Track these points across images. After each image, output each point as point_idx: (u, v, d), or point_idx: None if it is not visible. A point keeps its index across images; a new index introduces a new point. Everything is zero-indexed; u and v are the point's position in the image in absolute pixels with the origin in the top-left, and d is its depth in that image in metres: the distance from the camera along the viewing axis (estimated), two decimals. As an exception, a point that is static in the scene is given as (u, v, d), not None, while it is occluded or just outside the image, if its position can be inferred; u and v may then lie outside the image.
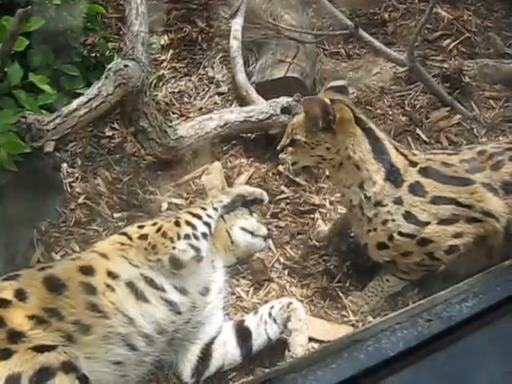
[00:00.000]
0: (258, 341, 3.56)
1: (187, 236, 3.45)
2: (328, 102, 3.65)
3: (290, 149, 3.83)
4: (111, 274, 3.23)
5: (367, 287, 3.91)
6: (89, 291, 3.14)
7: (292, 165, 3.87)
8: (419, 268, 3.76)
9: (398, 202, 3.65)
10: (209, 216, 3.68)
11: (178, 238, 3.42)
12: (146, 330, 3.19)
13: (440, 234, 3.61)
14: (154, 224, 3.52)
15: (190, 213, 3.66)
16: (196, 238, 3.48)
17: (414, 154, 3.86)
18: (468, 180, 3.68)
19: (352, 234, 4.07)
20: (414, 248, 3.65)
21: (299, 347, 3.48)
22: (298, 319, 3.54)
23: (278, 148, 3.91)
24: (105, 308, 3.11)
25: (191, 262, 3.40)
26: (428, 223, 3.61)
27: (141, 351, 3.18)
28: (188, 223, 3.53)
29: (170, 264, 3.34)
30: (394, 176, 3.68)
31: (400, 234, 3.65)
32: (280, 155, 3.89)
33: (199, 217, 3.63)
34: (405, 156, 3.77)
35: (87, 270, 3.22)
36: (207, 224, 3.62)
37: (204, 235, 3.54)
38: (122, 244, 3.40)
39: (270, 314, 3.58)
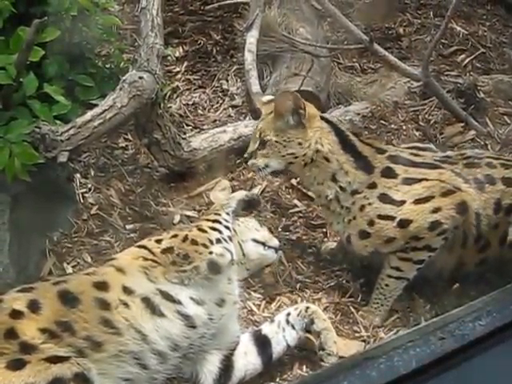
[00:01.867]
0: (277, 348, 3.55)
1: (219, 240, 3.48)
2: (299, 96, 3.75)
3: (260, 152, 3.81)
4: (127, 290, 3.20)
5: (371, 300, 3.91)
6: (103, 307, 3.11)
7: (263, 168, 3.84)
8: (408, 257, 3.75)
9: (372, 186, 3.72)
10: (226, 220, 3.72)
11: (211, 243, 3.43)
12: (160, 347, 3.16)
13: (418, 211, 3.65)
14: (175, 236, 3.51)
15: (208, 220, 3.69)
16: (226, 241, 3.52)
17: (380, 143, 4.05)
18: (437, 166, 3.79)
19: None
20: (396, 232, 3.67)
21: (333, 343, 3.49)
22: (322, 319, 3.55)
23: (246, 155, 3.91)
24: (118, 324, 3.08)
25: (228, 266, 3.43)
26: (404, 202, 3.65)
27: (152, 369, 3.15)
28: (213, 228, 3.56)
29: (208, 269, 3.33)
30: (364, 164, 3.76)
31: (379, 216, 3.68)
32: (249, 162, 3.87)
33: (219, 222, 3.66)
34: (370, 145, 3.86)
35: (102, 286, 3.19)
36: (228, 228, 3.66)
37: (230, 238, 3.58)
38: (145, 259, 3.37)
39: (287, 321, 3.57)
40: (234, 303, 3.54)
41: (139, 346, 3.11)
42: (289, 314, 3.60)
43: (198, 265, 3.32)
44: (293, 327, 3.56)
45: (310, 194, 4.53)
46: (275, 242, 3.97)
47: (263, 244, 3.92)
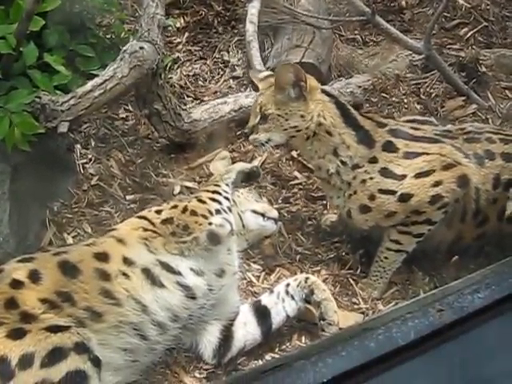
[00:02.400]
0: (276, 319, 3.56)
1: (218, 211, 3.49)
2: (300, 68, 3.71)
3: (262, 126, 3.77)
4: (127, 261, 3.21)
5: (370, 272, 3.93)
6: (103, 278, 3.12)
7: (266, 142, 3.79)
8: (408, 231, 3.75)
9: (373, 160, 3.71)
10: (225, 191, 3.74)
11: (211, 214, 3.44)
12: (160, 318, 3.18)
13: (419, 185, 3.65)
14: (175, 207, 3.51)
15: (208, 191, 3.70)
16: (225, 212, 3.53)
17: (381, 117, 3.99)
18: (437, 140, 3.78)
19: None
20: (397, 206, 3.67)
21: (334, 313, 3.49)
22: (321, 289, 3.55)
23: (247, 130, 3.85)
24: (118, 295, 3.10)
25: (228, 236, 3.44)
26: (405, 176, 3.65)
27: (152, 340, 3.17)
28: (213, 199, 3.57)
29: (208, 240, 3.34)
30: (365, 138, 3.75)
31: (380, 191, 3.68)
32: (250, 137, 3.82)
33: (218, 193, 3.67)
34: (371, 119, 3.85)
35: (102, 257, 3.20)
36: (227, 199, 3.68)
37: (229, 209, 3.60)
38: (145, 230, 3.38)
39: (287, 292, 3.58)
40: (233, 274, 3.55)
41: (139, 316, 3.12)
42: (288, 285, 3.60)
43: (197, 236, 3.32)
44: (292, 298, 3.56)
45: (310, 166, 4.54)
46: (274, 213, 3.98)
47: (262, 215, 3.94)
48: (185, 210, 3.45)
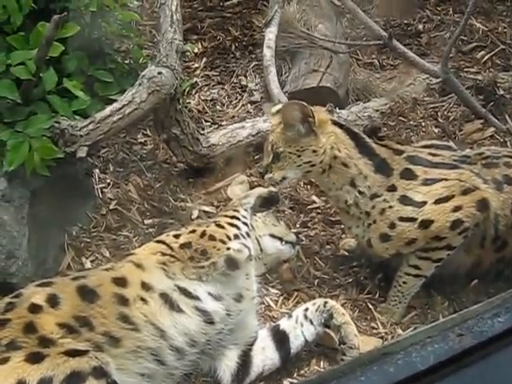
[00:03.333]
0: (295, 343, 3.55)
1: (237, 236, 3.48)
2: (306, 104, 3.66)
3: (275, 165, 3.74)
4: (145, 286, 3.20)
5: (388, 297, 3.90)
6: (121, 303, 3.12)
7: (281, 181, 3.77)
8: (427, 256, 3.73)
9: (392, 189, 3.69)
10: (244, 217, 3.74)
11: (229, 238, 3.43)
12: (178, 343, 3.16)
13: (439, 211, 3.62)
14: (193, 231, 3.51)
15: (226, 216, 3.69)
16: (243, 237, 3.52)
17: (397, 143, 4.04)
18: (456, 166, 3.76)
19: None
20: (417, 233, 3.64)
21: (354, 337, 3.48)
22: (341, 313, 3.53)
23: (262, 170, 3.85)
24: (136, 320, 3.10)
25: (246, 262, 3.43)
26: (425, 202, 3.63)
27: (170, 365, 3.16)
28: (231, 225, 3.56)
29: (226, 265, 3.33)
30: (382, 166, 3.72)
31: (400, 219, 3.66)
32: (265, 176, 3.79)
33: (237, 218, 3.67)
34: (386, 146, 3.83)
35: (121, 282, 3.20)
36: (246, 224, 3.67)
37: (248, 234, 3.59)
38: (163, 254, 3.38)
39: (305, 316, 3.57)
40: (252, 299, 3.54)
41: (157, 342, 3.12)
42: (307, 309, 3.59)
43: (215, 261, 3.32)
44: (311, 322, 3.55)
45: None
46: (292, 237, 3.97)
47: (280, 239, 3.93)
48: (203, 234, 3.45)
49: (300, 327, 3.55)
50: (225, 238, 3.43)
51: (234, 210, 3.79)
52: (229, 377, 3.41)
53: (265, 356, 3.50)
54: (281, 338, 3.55)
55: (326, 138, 3.69)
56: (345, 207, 3.81)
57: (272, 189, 4.04)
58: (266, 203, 4.08)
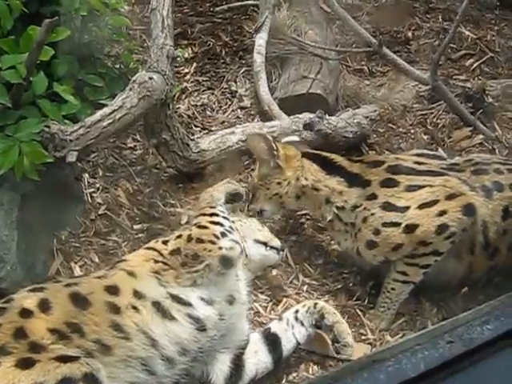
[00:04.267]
0: (287, 346, 3.56)
1: (224, 234, 3.45)
2: (268, 136, 4.02)
3: (254, 198, 4.11)
4: (137, 294, 3.18)
5: (377, 303, 3.91)
6: (113, 311, 3.09)
7: (261, 212, 4.14)
8: (415, 262, 3.73)
9: (372, 197, 3.76)
10: (222, 212, 3.72)
11: (217, 238, 3.41)
12: (169, 352, 3.14)
13: (423, 215, 3.64)
14: (179, 236, 3.49)
15: (205, 214, 3.66)
16: (230, 232, 3.50)
17: (377, 157, 4.27)
18: (442, 173, 3.79)
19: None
20: (403, 238, 3.66)
21: (347, 335, 3.51)
22: (332, 313, 3.56)
23: (249, 202, 4.18)
24: (128, 329, 3.08)
25: (239, 257, 3.46)
26: (408, 207, 3.66)
27: (159, 375, 3.14)
28: (213, 223, 3.54)
29: (221, 265, 3.32)
30: (355, 180, 3.85)
31: (384, 224, 3.69)
32: (249, 207, 4.18)
33: (216, 215, 3.64)
34: (361, 161, 3.97)
35: (113, 290, 3.17)
36: (227, 219, 3.65)
37: (232, 228, 3.57)
38: (156, 261, 3.37)
39: (296, 318, 3.58)
40: (243, 302, 3.53)
41: (147, 351, 3.09)
42: (297, 311, 3.60)
43: (209, 262, 3.30)
44: (302, 324, 3.56)
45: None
46: (277, 243, 3.96)
47: (265, 244, 3.91)
48: (190, 239, 3.43)
49: (291, 329, 3.56)
50: (213, 238, 3.40)
51: (211, 207, 3.75)
52: (222, 381, 3.40)
53: (257, 359, 3.50)
54: (273, 341, 3.55)
55: (291, 171, 3.98)
56: (330, 224, 3.94)
57: (237, 185, 4.09)
58: (231, 199, 4.09)
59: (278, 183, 3.99)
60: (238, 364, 3.45)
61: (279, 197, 4.02)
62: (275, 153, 3.96)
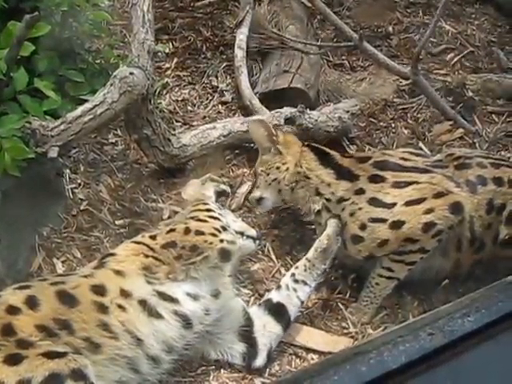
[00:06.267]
0: (293, 310, 3.66)
1: (224, 228, 3.54)
2: (268, 122, 4.12)
3: (256, 185, 4.12)
4: (124, 293, 3.19)
5: (360, 297, 3.93)
6: (100, 310, 3.11)
7: (260, 201, 4.12)
8: (400, 259, 3.76)
9: (360, 192, 3.79)
10: (217, 209, 3.82)
11: (218, 231, 3.49)
12: (155, 351, 3.16)
13: (410, 212, 3.66)
14: (172, 230, 3.51)
15: (201, 210, 3.70)
16: (229, 227, 3.59)
17: (365, 153, 4.39)
18: (428, 170, 3.81)
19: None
20: (389, 234, 3.68)
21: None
22: (325, 241, 3.75)
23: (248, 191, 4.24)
24: (116, 329, 3.09)
25: (236, 252, 3.53)
26: (395, 204, 3.68)
27: (144, 374, 3.16)
28: (212, 217, 3.62)
29: (220, 257, 3.39)
30: (344, 174, 3.88)
31: (370, 220, 3.72)
32: (249, 196, 4.18)
33: (212, 211, 3.72)
34: (351, 157, 4.07)
35: (100, 290, 3.18)
36: (222, 215, 3.74)
37: (228, 225, 3.66)
38: (146, 256, 3.37)
39: (296, 281, 3.68)
40: (229, 298, 3.54)
41: (133, 351, 3.11)
42: (293, 275, 3.70)
43: (208, 254, 3.35)
44: (304, 283, 3.66)
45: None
46: (253, 232, 3.97)
47: (241, 234, 3.92)
48: (187, 231, 3.45)
49: (294, 293, 3.64)
50: (214, 231, 3.46)
51: (204, 204, 3.80)
52: (240, 358, 3.50)
53: (268, 332, 3.57)
54: (278, 311, 3.62)
55: (290, 156, 3.99)
56: (318, 219, 3.95)
57: (221, 180, 4.13)
58: (217, 196, 4.13)
59: (277, 168, 4.01)
60: (249, 340, 3.52)
61: (277, 182, 4.02)
62: (275, 138, 4.02)
